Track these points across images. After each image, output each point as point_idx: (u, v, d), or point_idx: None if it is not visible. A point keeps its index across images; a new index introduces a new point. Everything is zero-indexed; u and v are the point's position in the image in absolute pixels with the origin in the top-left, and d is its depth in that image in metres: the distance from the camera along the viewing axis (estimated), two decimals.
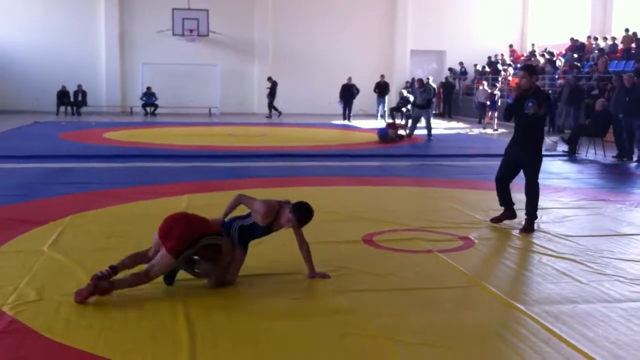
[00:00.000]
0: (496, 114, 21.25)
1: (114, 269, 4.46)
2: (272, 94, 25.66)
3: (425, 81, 18.19)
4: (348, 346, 3.81)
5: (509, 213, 7.02)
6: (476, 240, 6.32)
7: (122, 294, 4.51)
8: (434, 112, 20.62)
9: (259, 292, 4.68)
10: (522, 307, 4.46)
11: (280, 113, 25.82)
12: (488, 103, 21.89)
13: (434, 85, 20.39)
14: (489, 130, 20.87)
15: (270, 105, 25.72)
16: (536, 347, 3.82)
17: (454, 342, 3.88)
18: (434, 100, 17.79)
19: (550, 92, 20.60)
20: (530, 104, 6.55)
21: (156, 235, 4.57)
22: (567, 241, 6.31)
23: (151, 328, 4.00)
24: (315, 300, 4.51)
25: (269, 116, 25.61)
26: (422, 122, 17.88)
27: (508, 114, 6.94)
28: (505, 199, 7.00)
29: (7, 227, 6.42)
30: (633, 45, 21.96)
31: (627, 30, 22.54)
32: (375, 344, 3.85)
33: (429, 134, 17.21)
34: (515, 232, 6.68)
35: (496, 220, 7.00)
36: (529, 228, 6.71)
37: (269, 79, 25.64)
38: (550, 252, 5.91)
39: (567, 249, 6.01)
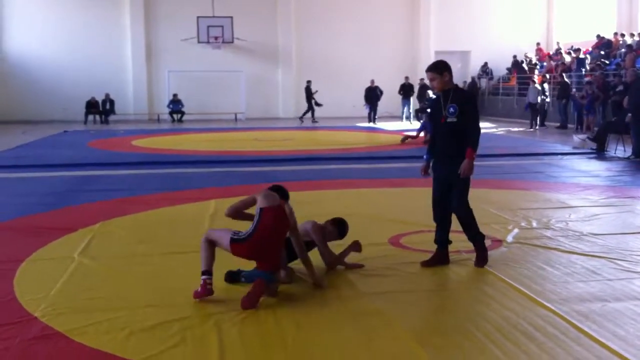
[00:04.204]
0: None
1: None
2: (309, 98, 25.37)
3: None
4: (376, 348, 3.81)
5: (442, 255, 5.58)
6: (504, 240, 6.28)
7: (151, 299, 4.57)
8: None
9: (286, 296, 4.71)
10: (551, 306, 4.43)
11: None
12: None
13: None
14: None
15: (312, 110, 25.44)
16: (566, 346, 3.79)
17: (483, 342, 3.86)
18: None
19: (575, 90, 20.41)
20: (452, 109, 5.37)
21: None
22: (597, 239, 6.24)
23: (181, 331, 4.04)
24: (342, 303, 4.53)
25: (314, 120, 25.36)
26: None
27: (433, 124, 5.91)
28: (443, 231, 5.59)
29: (39, 235, 6.53)
30: None
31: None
32: (403, 346, 3.85)
33: None
34: (546, 233, 6.60)
35: (425, 264, 5.51)
36: (482, 258, 5.48)
37: (308, 81, 25.38)
38: (579, 251, 5.85)
39: (597, 248, 5.95)
